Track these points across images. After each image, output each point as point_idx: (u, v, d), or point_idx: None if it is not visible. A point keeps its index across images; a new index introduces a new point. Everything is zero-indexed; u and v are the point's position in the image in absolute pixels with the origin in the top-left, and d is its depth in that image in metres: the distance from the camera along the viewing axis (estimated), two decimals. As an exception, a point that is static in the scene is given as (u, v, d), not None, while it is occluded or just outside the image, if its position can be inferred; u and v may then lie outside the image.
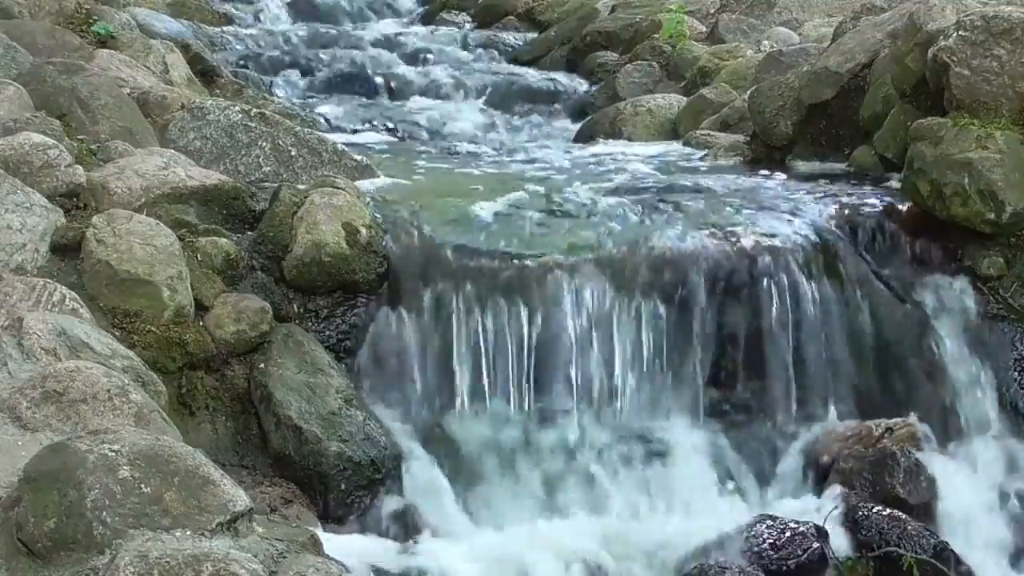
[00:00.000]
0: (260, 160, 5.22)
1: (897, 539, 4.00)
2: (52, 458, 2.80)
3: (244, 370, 4.22)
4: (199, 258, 4.30)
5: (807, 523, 4.02)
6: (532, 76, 8.84)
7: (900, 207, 4.95)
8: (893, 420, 4.49)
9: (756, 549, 3.92)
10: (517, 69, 9.11)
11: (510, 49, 9.79)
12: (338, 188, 4.58)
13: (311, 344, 4.29)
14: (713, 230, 4.75)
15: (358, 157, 5.42)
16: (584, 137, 7.28)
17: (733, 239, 4.71)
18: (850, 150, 5.67)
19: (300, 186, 4.79)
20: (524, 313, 4.44)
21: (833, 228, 4.85)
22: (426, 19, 11.33)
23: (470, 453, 4.28)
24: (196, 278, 4.22)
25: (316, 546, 3.13)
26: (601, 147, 6.60)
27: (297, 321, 4.38)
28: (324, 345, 4.34)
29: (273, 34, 9.47)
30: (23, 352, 3.48)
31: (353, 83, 8.50)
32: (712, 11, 9.45)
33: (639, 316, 4.53)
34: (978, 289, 4.75)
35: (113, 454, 2.79)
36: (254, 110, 5.45)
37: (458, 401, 4.39)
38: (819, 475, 4.42)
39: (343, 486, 4.03)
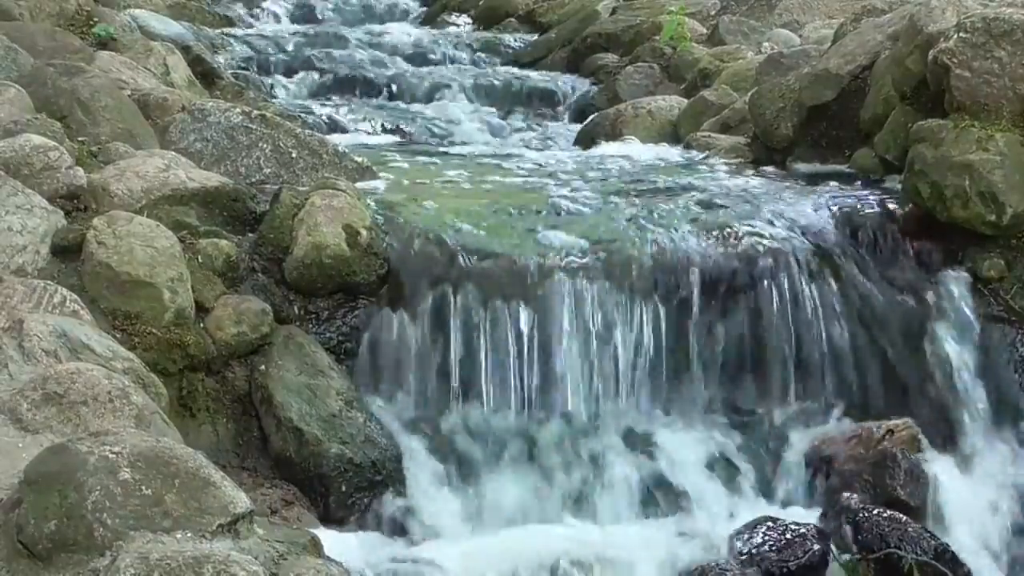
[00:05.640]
0: (261, 162, 5.21)
1: (898, 541, 4.00)
2: (53, 460, 2.80)
3: (245, 372, 4.22)
4: (200, 260, 4.30)
5: (807, 525, 4.02)
6: (533, 78, 8.85)
7: (901, 209, 4.95)
8: (894, 422, 4.48)
9: (756, 551, 3.92)
10: (518, 71, 9.12)
11: (511, 51, 9.80)
12: (339, 190, 4.58)
13: (312, 346, 4.29)
14: (713, 231, 4.75)
15: (359, 159, 5.42)
16: (585, 139, 7.28)
17: (733, 240, 4.72)
18: (851, 152, 5.66)
19: (301, 188, 4.79)
20: (524, 314, 4.44)
21: (834, 230, 4.85)
22: (427, 21, 11.34)
23: (470, 454, 4.28)
24: (197, 280, 4.22)
25: (316, 548, 3.13)
26: (602, 148, 6.60)
27: (298, 323, 4.38)
28: (325, 347, 4.34)
29: (273, 36, 9.47)
30: (24, 354, 3.48)
31: (354, 85, 8.50)
32: (713, 13, 9.46)
33: (639, 317, 4.53)
34: (978, 291, 4.75)
35: (114, 456, 2.79)
36: (255, 112, 5.45)
37: (458, 402, 4.39)
38: (820, 477, 4.42)
39: (344, 488, 4.03)
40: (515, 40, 10.05)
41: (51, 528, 2.69)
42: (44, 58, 5.56)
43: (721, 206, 5.02)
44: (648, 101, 7.41)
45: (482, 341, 4.40)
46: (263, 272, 4.43)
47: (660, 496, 4.29)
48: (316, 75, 8.62)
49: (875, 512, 4.11)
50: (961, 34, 4.84)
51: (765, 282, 4.64)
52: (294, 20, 10.82)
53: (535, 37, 10.10)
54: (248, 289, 4.37)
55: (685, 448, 4.42)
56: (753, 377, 4.62)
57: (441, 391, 4.39)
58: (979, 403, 4.61)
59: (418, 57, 9.31)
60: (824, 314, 4.65)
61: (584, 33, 9.35)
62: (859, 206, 5.00)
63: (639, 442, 4.42)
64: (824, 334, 4.64)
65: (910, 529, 4.05)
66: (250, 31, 9.73)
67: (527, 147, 7.08)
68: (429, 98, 8.37)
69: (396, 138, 7.49)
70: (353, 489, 4.04)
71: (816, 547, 3.93)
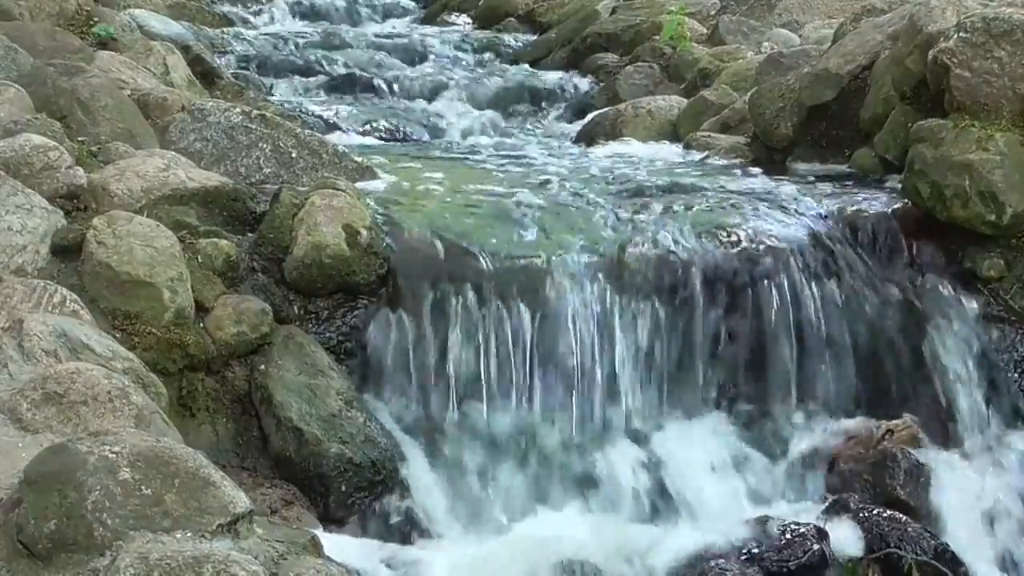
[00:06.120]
0: (261, 162, 5.21)
1: (897, 540, 4.01)
2: (52, 460, 2.80)
3: (244, 372, 4.22)
4: (199, 260, 4.30)
5: (807, 524, 4.02)
6: (533, 77, 8.85)
7: (900, 209, 4.95)
8: (894, 421, 4.49)
9: (756, 550, 3.92)
10: (518, 70, 9.12)
11: (511, 50, 9.80)
12: (339, 190, 4.58)
13: (311, 346, 4.29)
14: (714, 231, 4.75)
15: (359, 158, 5.42)
16: (584, 138, 7.28)
17: (734, 240, 4.72)
18: (850, 152, 5.66)
19: (300, 188, 4.79)
20: (524, 314, 4.44)
21: (834, 229, 4.86)
22: (427, 20, 11.35)
23: (471, 454, 4.28)
24: (196, 280, 4.22)
25: (316, 548, 3.13)
26: (601, 148, 6.60)
27: (298, 323, 4.38)
28: (324, 347, 4.33)
29: (273, 36, 9.48)
30: (23, 354, 3.48)
31: (354, 85, 8.50)
32: (712, 13, 9.46)
33: (639, 317, 4.53)
34: (978, 291, 4.75)
35: (114, 456, 2.79)
36: (254, 112, 5.45)
37: (458, 402, 4.39)
38: (820, 476, 4.43)
39: (343, 488, 4.03)
40: (515, 40, 10.06)
41: (51, 528, 2.69)
42: (44, 58, 5.56)
43: (721, 206, 5.02)
44: (648, 101, 7.41)
45: (482, 341, 4.40)
46: (263, 272, 4.43)
47: (661, 496, 4.29)
48: (316, 75, 8.62)
49: (875, 512, 4.11)
50: (961, 34, 4.84)
51: (765, 282, 4.64)
52: (294, 20, 10.81)
53: (535, 37, 10.10)
54: (248, 289, 4.37)
55: (686, 448, 4.42)
56: (753, 377, 4.62)
57: (441, 391, 4.39)
58: (979, 403, 4.61)
59: (418, 57, 9.31)
60: (824, 314, 4.65)
61: (584, 33, 9.35)
62: (859, 206, 5.00)
63: (640, 442, 4.42)
64: (824, 334, 4.64)
65: (910, 529, 4.05)
66: (250, 31, 9.73)
67: (527, 147, 7.08)
68: (429, 98, 8.36)
69: (396, 138, 7.49)
70: (353, 489, 4.04)
71: (816, 547, 3.93)
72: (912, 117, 5.13)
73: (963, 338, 4.69)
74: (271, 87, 8.27)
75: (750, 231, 4.77)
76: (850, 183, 5.36)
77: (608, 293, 4.52)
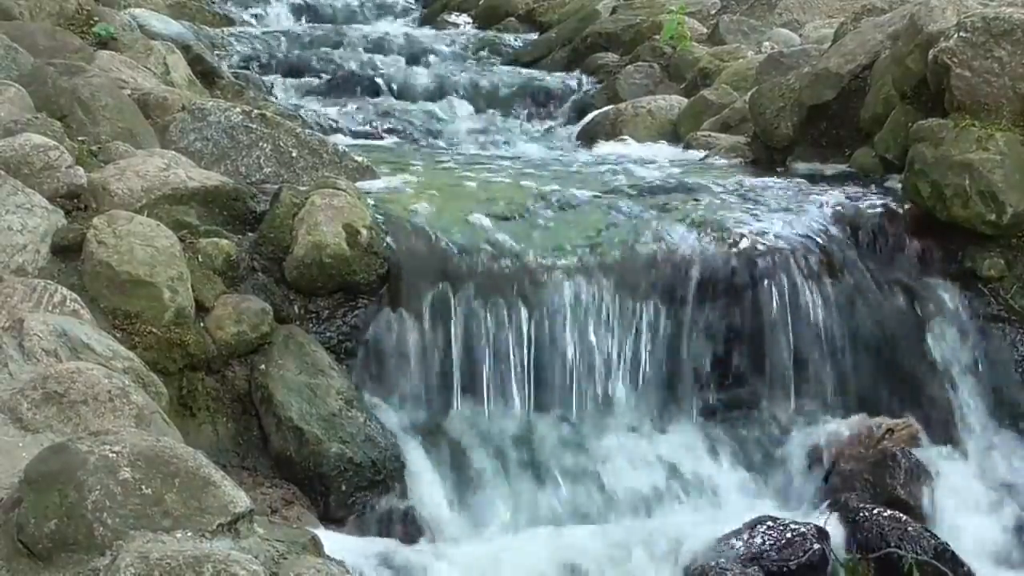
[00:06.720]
0: (261, 161, 5.22)
1: (898, 540, 4.00)
2: (53, 459, 2.80)
3: (245, 371, 4.22)
4: (200, 259, 4.30)
5: (807, 524, 4.02)
6: (533, 77, 8.85)
7: (901, 208, 4.96)
8: (894, 421, 4.49)
9: (756, 550, 3.92)
10: (518, 70, 9.12)
11: (511, 50, 9.81)
12: (339, 189, 4.58)
13: (312, 345, 4.29)
14: (713, 231, 4.75)
15: (359, 158, 5.42)
16: (585, 138, 7.29)
17: (733, 240, 4.72)
18: (851, 151, 5.67)
19: (301, 187, 4.79)
20: (524, 314, 4.44)
21: (834, 229, 4.86)
22: (427, 20, 11.35)
23: (470, 455, 4.28)
24: (197, 279, 4.22)
25: (317, 547, 3.13)
26: (602, 148, 6.61)
27: (298, 322, 4.38)
28: (325, 346, 4.34)
29: (274, 35, 9.48)
30: (24, 353, 3.48)
31: (354, 84, 8.51)
32: (713, 12, 9.47)
33: (639, 317, 4.53)
34: (978, 290, 4.76)
35: (114, 455, 2.79)
36: (255, 111, 5.45)
37: (458, 402, 4.39)
38: (820, 476, 4.43)
39: (344, 487, 4.03)
40: (515, 39, 10.06)
41: (51, 527, 2.69)
42: (44, 57, 5.56)
43: (721, 205, 5.03)
44: (648, 100, 7.42)
45: (482, 340, 4.40)
46: (263, 271, 4.43)
47: (661, 496, 4.29)
48: (316, 74, 8.62)
49: (875, 511, 4.11)
50: (961, 33, 4.84)
51: (765, 282, 4.64)
52: (294, 19, 10.82)
53: (535, 36, 10.11)
54: (248, 288, 4.37)
55: (686, 448, 4.43)
56: (753, 377, 4.62)
57: (441, 391, 4.39)
58: (979, 402, 4.62)
59: (418, 56, 9.31)
60: (824, 314, 4.65)
61: (584, 32, 9.36)
62: (859, 206, 5.00)
63: (639, 441, 4.42)
64: (824, 334, 4.64)
65: (910, 528, 4.05)
66: (250, 30, 9.73)
67: (527, 146, 7.09)
68: (429, 97, 8.37)
69: (396, 138, 7.50)
70: (353, 489, 4.04)
71: (816, 547, 3.93)
72: (912, 117, 5.13)
73: (963, 338, 4.69)
74: (271, 86, 8.27)
75: (750, 231, 4.77)
76: (850, 183, 5.36)
77: (608, 292, 4.52)
